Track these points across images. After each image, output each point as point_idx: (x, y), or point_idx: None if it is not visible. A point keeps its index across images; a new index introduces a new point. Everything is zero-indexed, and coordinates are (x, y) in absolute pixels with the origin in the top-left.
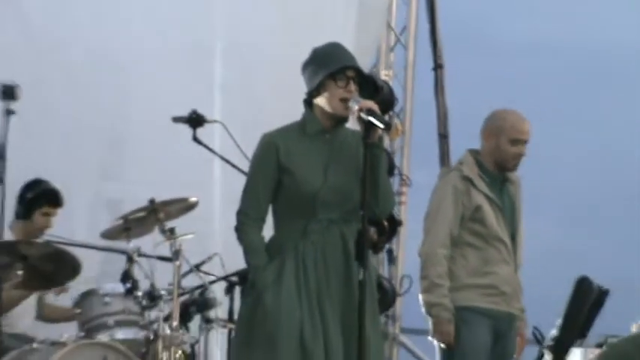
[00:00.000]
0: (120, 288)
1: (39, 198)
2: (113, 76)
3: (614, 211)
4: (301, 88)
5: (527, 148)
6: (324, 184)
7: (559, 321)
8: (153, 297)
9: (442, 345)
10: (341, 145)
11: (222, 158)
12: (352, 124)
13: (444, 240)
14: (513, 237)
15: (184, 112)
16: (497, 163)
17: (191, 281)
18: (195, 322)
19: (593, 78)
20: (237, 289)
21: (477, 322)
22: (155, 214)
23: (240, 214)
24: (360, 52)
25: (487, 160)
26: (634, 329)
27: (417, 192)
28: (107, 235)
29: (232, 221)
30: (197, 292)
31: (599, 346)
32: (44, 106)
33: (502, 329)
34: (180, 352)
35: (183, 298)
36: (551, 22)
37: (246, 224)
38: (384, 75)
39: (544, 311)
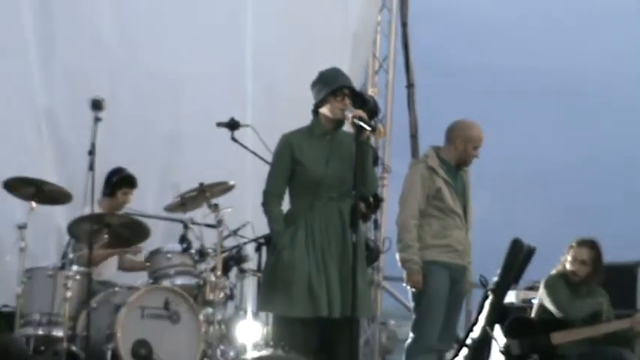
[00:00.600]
0: (178, 247)
1: (121, 181)
2: (169, 91)
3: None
4: (310, 101)
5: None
6: (326, 172)
7: (498, 270)
8: (202, 254)
9: (413, 289)
10: (339, 143)
11: (253, 152)
12: (347, 128)
13: (414, 212)
14: (465, 210)
15: (224, 119)
16: (460, 161)
17: (230, 242)
18: (233, 272)
19: (530, 94)
20: (264, 248)
21: (438, 272)
22: (204, 194)
23: (265, 192)
24: (353, 75)
25: (450, 156)
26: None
27: (395, 177)
28: (169, 208)
29: (260, 199)
30: (234, 250)
31: (529, 289)
32: (120, 115)
33: (457, 277)
34: (222, 294)
35: (224, 255)
36: (498, 50)
37: (269, 200)
38: (370, 91)
39: (488, 263)
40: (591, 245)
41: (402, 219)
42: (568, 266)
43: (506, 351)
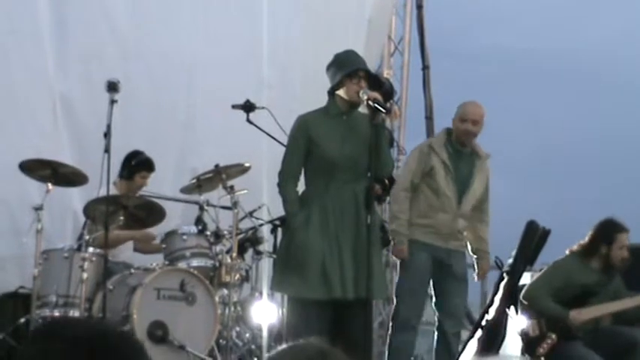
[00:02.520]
0: (194, 229)
1: (139, 165)
2: (184, 74)
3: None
4: (325, 84)
5: (477, 128)
6: (341, 153)
7: (514, 252)
8: (218, 236)
9: (398, 260)
10: (354, 124)
11: (268, 134)
12: (362, 110)
13: (406, 185)
14: (461, 195)
15: (240, 101)
16: (458, 139)
17: (245, 224)
18: (249, 253)
19: (541, 78)
20: (279, 230)
21: (418, 252)
22: (219, 175)
23: (280, 173)
24: (368, 58)
25: (454, 137)
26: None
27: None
28: (185, 190)
29: (275, 180)
30: (250, 232)
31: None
32: (135, 98)
33: (444, 259)
34: (238, 275)
35: (240, 237)
36: (510, 33)
37: (285, 181)
38: (386, 74)
39: (504, 246)
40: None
41: (393, 191)
42: (617, 253)
43: (524, 332)
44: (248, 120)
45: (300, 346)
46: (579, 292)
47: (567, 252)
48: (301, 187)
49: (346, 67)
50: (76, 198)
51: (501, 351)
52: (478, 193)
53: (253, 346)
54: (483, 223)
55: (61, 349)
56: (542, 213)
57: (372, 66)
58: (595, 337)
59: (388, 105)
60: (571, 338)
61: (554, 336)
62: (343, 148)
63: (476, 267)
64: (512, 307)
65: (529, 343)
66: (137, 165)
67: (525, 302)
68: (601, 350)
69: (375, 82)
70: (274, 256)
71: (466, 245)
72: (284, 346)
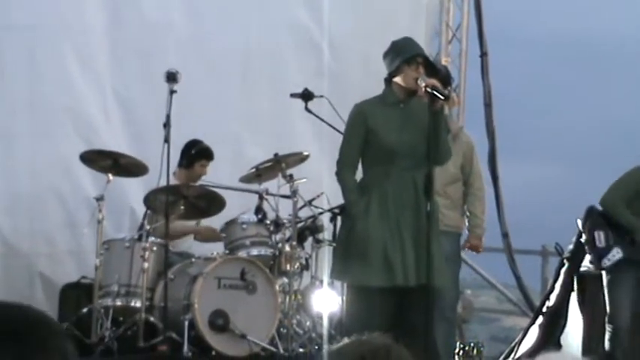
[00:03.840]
0: (254, 218)
1: (199, 153)
2: (241, 63)
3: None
4: (381, 72)
5: None
6: (400, 141)
7: (574, 239)
8: (277, 224)
9: None
10: (412, 112)
11: (326, 123)
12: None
13: None
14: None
15: (297, 90)
16: None
17: (305, 213)
18: (308, 242)
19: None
20: (339, 218)
21: None
22: (279, 164)
23: (339, 162)
24: (424, 45)
25: None
26: None
27: None
28: (244, 179)
29: (334, 169)
30: (309, 220)
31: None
32: (191, 89)
33: None
34: (297, 264)
35: (299, 225)
36: (570, 20)
37: (343, 170)
38: (444, 61)
39: (565, 232)
40: None
41: None
42: None
43: (590, 242)
44: (306, 108)
45: (364, 339)
46: None
47: None
48: (359, 175)
49: (404, 53)
50: (136, 188)
51: (562, 337)
52: (450, 171)
53: (314, 335)
54: (472, 197)
55: None
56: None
57: (429, 53)
58: None
59: (446, 91)
60: (632, 260)
61: (619, 250)
62: (402, 136)
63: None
64: (572, 294)
65: (595, 254)
66: (197, 153)
67: (601, 207)
68: None
69: (433, 68)
70: (334, 244)
71: (456, 225)
72: (348, 338)
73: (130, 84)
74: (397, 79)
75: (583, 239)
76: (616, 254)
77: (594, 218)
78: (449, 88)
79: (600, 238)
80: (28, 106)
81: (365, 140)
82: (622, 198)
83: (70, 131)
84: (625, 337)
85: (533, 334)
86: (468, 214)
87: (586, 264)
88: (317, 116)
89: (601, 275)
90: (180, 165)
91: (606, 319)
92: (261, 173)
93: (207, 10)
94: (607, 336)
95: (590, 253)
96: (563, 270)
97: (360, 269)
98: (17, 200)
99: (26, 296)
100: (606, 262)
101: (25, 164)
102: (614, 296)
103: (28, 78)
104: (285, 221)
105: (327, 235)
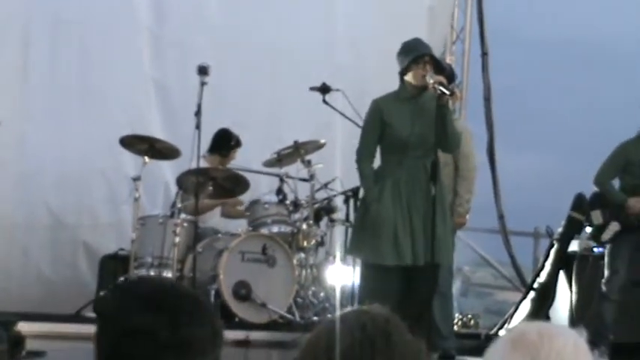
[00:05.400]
0: (275, 198)
1: (237, 144)
2: (268, 58)
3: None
4: (393, 69)
5: None
6: (412, 133)
7: (563, 222)
8: (296, 205)
9: None
10: (423, 106)
11: (342, 114)
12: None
13: None
14: None
15: (317, 84)
16: None
17: (321, 195)
18: (324, 221)
19: (599, 64)
20: (352, 200)
21: None
22: (298, 151)
23: (358, 152)
24: (433, 45)
25: None
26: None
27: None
28: (267, 164)
29: (348, 156)
30: (325, 201)
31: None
32: (223, 80)
33: None
34: (314, 241)
35: (315, 206)
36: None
37: (361, 159)
38: (448, 59)
39: (555, 216)
40: None
41: None
42: None
43: (588, 220)
44: (324, 101)
45: (364, 309)
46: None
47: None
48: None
49: (413, 53)
50: (168, 170)
51: (551, 311)
52: (441, 158)
53: (327, 304)
54: (459, 177)
55: (133, 304)
56: (591, 187)
57: (436, 53)
58: None
59: (451, 87)
60: (630, 228)
61: (617, 224)
62: (414, 128)
63: None
64: (560, 272)
65: (594, 231)
66: (235, 144)
67: (595, 186)
68: None
69: (439, 66)
70: (347, 223)
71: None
72: (353, 307)
73: (168, 75)
74: (408, 77)
75: (585, 222)
76: (614, 228)
77: (592, 199)
78: (453, 84)
79: (597, 216)
80: (78, 94)
81: (381, 133)
82: (610, 176)
83: (115, 117)
84: (615, 301)
85: (525, 307)
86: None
87: (574, 245)
88: (333, 108)
89: (588, 256)
90: (211, 151)
91: (602, 281)
92: (282, 158)
93: (241, 7)
94: (599, 299)
95: (590, 231)
96: (553, 250)
97: (373, 249)
98: (66, 177)
99: (70, 265)
100: (605, 237)
101: (74, 145)
102: (611, 262)
103: (79, 68)
104: (303, 202)
105: (340, 215)
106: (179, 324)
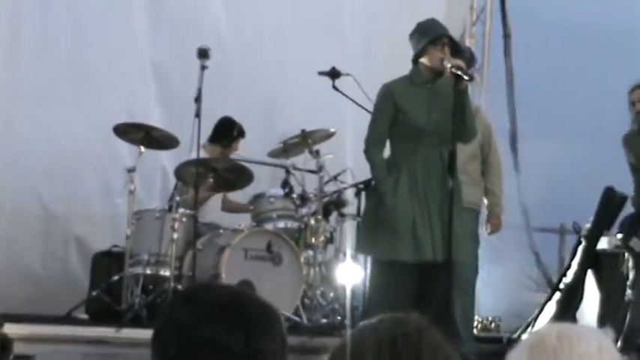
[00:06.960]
0: (280, 192)
1: (240, 134)
2: (273, 42)
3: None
4: (406, 53)
5: None
6: (427, 119)
7: (592, 218)
8: (303, 198)
9: None
10: (439, 91)
11: (353, 101)
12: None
13: None
14: None
15: (326, 68)
16: None
17: (330, 187)
18: (333, 216)
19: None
20: (363, 193)
21: None
22: (305, 140)
23: (367, 140)
24: (451, 27)
25: None
26: None
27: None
28: (272, 154)
29: (359, 146)
30: (334, 195)
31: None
32: (225, 65)
33: None
34: (322, 237)
35: (324, 199)
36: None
37: (371, 148)
38: (468, 42)
39: (583, 211)
40: None
41: None
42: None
43: (627, 248)
44: (334, 86)
45: (398, 319)
46: None
47: None
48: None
49: (430, 34)
50: (166, 161)
51: (578, 313)
52: (470, 148)
53: (337, 306)
54: (492, 175)
55: (205, 313)
56: (621, 180)
57: (455, 35)
58: None
59: (470, 72)
60: None
61: None
62: (430, 115)
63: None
64: (588, 271)
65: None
66: (238, 135)
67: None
68: None
69: (457, 49)
70: (358, 218)
71: (476, 202)
72: (376, 313)
73: (166, 59)
74: (423, 60)
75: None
76: None
77: (611, 200)
78: (472, 68)
79: (637, 243)
80: (70, 75)
81: (393, 119)
82: None
83: (109, 101)
84: None
85: (550, 309)
86: (486, 192)
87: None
88: (344, 94)
89: (618, 254)
90: (212, 141)
91: (627, 284)
92: (288, 148)
93: None
94: (626, 303)
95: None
96: (580, 248)
97: (390, 244)
98: (57, 166)
99: (61, 259)
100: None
101: (66, 132)
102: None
103: (72, 47)
104: (310, 195)
105: (351, 209)
106: (253, 336)
